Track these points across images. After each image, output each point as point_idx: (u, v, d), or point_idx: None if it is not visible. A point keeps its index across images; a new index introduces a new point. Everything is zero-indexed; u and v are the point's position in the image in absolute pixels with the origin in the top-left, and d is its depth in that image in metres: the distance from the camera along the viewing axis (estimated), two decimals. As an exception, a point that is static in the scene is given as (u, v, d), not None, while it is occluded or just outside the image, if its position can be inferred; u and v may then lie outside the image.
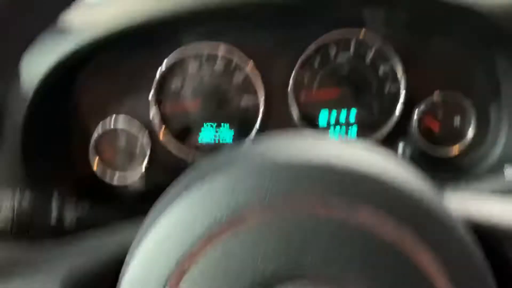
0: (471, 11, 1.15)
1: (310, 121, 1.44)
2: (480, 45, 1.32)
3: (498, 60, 1.31)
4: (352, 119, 1.44)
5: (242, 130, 1.45)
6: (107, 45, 1.21)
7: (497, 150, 1.36)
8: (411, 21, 1.35)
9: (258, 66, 1.39)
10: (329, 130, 1.45)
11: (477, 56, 1.35)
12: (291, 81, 1.40)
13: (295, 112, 1.41)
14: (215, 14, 1.24)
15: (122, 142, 1.41)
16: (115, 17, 1.19)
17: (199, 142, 1.45)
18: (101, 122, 1.39)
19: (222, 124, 1.44)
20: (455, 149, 1.42)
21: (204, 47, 1.37)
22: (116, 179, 1.41)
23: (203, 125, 1.44)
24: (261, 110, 1.41)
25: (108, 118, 1.39)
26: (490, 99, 1.37)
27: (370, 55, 1.39)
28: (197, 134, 1.45)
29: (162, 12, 1.21)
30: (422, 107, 1.39)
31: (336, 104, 1.43)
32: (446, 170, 1.42)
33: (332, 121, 1.45)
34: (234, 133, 1.46)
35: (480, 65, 1.36)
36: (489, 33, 1.24)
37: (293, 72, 1.39)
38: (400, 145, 1.42)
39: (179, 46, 1.36)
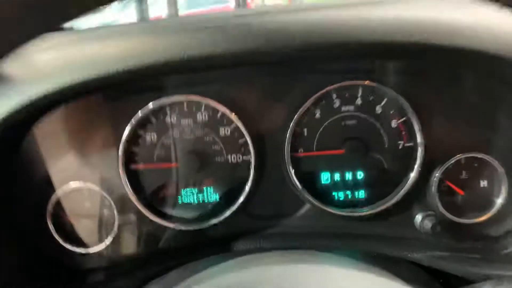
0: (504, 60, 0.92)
1: (309, 184, 1.21)
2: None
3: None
4: (361, 181, 1.22)
5: (229, 194, 1.22)
6: (62, 96, 0.97)
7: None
8: (427, 71, 1.13)
9: (249, 120, 1.17)
10: (331, 194, 1.23)
11: (509, 111, 1.13)
12: (287, 136, 1.17)
13: (291, 173, 1.19)
14: (203, 61, 0.99)
15: (83, 211, 1.19)
16: (76, 66, 0.96)
17: (177, 209, 1.23)
18: (58, 190, 1.18)
19: (205, 188, 1.22)
20: (481, 218, 1.19)
21: (186, 98, 1.16)
22: (76, 254, 1.19)
23: (182, 190, 1.22)
24: (251, 171, 1.19)
25: (66, 184, 1.18)
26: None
27: (381, 105, 1.18)
28: (176, 198, 1.23)
29: (137, 59, 0.93)
30: (443, 168, 1.16)
31: (340, 164, 1.21)
32: (471, 240, 1.19)
33: (335, 185, 1.23)
34: (220, 197, 1.23)
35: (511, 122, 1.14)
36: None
37: (290, 126, 1.17)
38: (417, 214, 1.19)
39: (154, 98, 1.15)
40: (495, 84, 1.12)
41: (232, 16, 0.93)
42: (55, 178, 1.18)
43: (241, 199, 1.20)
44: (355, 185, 1.23)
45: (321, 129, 1.20)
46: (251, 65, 1.03)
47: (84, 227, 1.19)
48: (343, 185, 1.23)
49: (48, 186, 1.17)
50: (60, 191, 1.17)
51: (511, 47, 0.86)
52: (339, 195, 1.23)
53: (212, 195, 1.23)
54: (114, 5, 0.39)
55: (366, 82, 1.15)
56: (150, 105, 1.15)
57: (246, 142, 1.18)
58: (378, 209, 1.20)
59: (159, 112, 1.18)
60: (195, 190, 1.23)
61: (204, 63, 0.88)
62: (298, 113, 1.17)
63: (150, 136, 1.19)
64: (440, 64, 1.10)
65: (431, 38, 0.86)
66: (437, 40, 0.86)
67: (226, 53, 0.86)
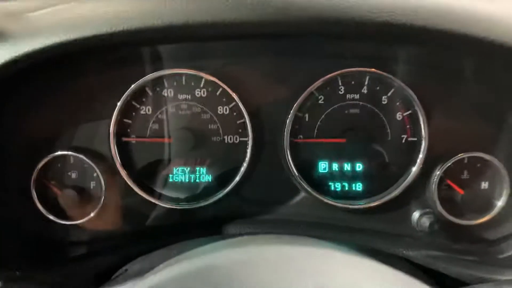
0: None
1: (305, 172, 1.17)
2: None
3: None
4: (360, 172, 1.18)
5: (222, 175, 1.18)
6: (56, 58, 0.91)
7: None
8: (437, 63, 1.09)
9: (249, 99, 1.12)
10: (328, 184, 1.19)
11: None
12: (288, 121, 1.13)
13: (289, 159, 1.15)
14: (204, 29, 0.92)
15: (69, 182, 1.14)
16: (70, 23, 0.90)
17: (168, 187, 1.18)
18: (45, 157, 1.12)
19: (198, 169, 1.18)
20: (480, 220, 1.15)
21: (185, 71, 1.11)
22: (59, 226, 1.13)
23: (174, 167, 1.18)
24: (248, 154, 1.14)
25: (54, 153, 1.12)
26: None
27: (387, 96, 1.14)
28: (167, 175, 1.18)
29: (138, 22, 0.86)
30: (445, 166, 1.13)
31: (339, 154, 1.17)
32: (467, 241, 1.17)
33: (333, 175, 1.19)
34: (213, 178, 1.19)
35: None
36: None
37: (292, 110, 1.12)
38: (415, 211, 1.16)
39: (153, 70, 1.09)
40: (505, 82, 1.08)
41: None
42: (43, 145, 1.12)
43: (235, 181, 1.16)
44: (353, 177, 1.19)
45: (323, 115, 1.16)
46: (258, 39, 0.97)
47: (68, 199, 1.14)
48: (341, 175, 1.19)
49: (34, 153, 1.12)
50: (47, 159, 1.12)
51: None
52: (336, 185, 1.19)
53: (205, 175, 1.19)
54: None
55: (374, 70, 1.11)
56: (148, 76, 1.10)
57: (244, 122, 1.14)
58: (375, 203, 1.16)
59: (156, 84, 1.13)
60: (187, 169, 1.18)
61: (208, 30, 0.82)
62: (301, 97, 1.12)
63: (145, 109, 1.14)
64: (448, 52, 1.06)
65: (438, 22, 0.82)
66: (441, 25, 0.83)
67: (233, 22, 0.81)
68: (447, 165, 1.13)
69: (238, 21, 0.79)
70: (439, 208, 1.14)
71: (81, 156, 1.12)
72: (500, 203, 1.14)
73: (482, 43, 0.83)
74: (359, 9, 0.80)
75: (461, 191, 1.15)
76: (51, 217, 1.13)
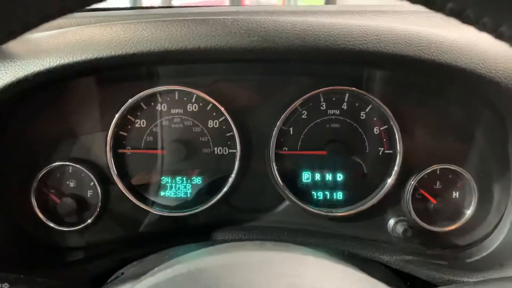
0: (487, 80, 0.97)
1: (290, 182, 1.25)
2: (491, 117, 1.16)
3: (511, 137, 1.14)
4: (340, 182, 1.27)
5: (212, 184, 1.26)
6: (57, 76, 0.99)
7: (498, 236, 1.19)
8: (412, 84, 1.19)
9: (236, 115, 1.20)
10: (311, 193, 1.27)
11: (487, 129, 1.19)
12: (273, 134, 1.21)
13: (274, 170, 1.23)
14: (197, 54, 1.02)
15: (67, 191, 1.21)
16: (71, 46, 0.98)
17: (160, 196, 1.26)
18: (46, 167, 1.19)
19: (189, 178, 1.25)
20: (450, 227, 1.24)
21: (177, 88, 1.19)
22: (56, 232, 1.20)
23: (167, 177, 1.25)
24: (236, 164, 1.22)
25: (54, 163, 1.19)
26: (496, 178, 1.21)
27: (365, 112, 1.23)
28: (160, 185, 1.26)
29: (132, 48, 0.95)
30: (418, 177, 1.22)
31: (321, 165, 1.26)
32: (439, 247, 1.25)
33: (316, 184, 1.27)
34: (203, 187, 1.27)
35: (488, 139, 1.20)
36: (504, 105, 1.07)
37: (277, 124, 1.21)
38: (390, 218, 1.24)
39: (146, 87, 1.17)
40: (474, 101, 1.17)
41: (228, 12, 0.96)
42: (43, 156, 1.19)
43: (224, 190, 1.23)
44: (334, 186, 1.27)
45: (306, 129, 1.24)
46: (244, 62, 1.06)
47: (66, 206, 1.20)
48: (323, 185, 1.27)
49: (35, 163, 1.19)
50: (47, 169, 1.19)
51: (488, 66, 0.92)
52: (318, 194, 1.27)
53: (196, 185, 1.26)
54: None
55: (353, 88, 1.20)
56: (142, 92, 1.18)
57: (233, 135, 1.22)
58: (354, 211, 1.24)
59: (150, 99, 1.21)
60: (179, 178, 1.25)
61: (200, 55, 0.91)
62: (285, 112, 1.21)
63: (140, 122, 1.22)
64: (422, 77, 1.15)
65: (407, 50, 0.91)
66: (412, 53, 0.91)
67: (221, 48, 0.89)
68: (421, 176, 1.22)
69: (227, 48, 0.88)
70: (413, 215, 1.22)
71: (79, 166, 1.19)
72: (469, 212, 1.23)
73: (443, 68, 0.92)
74: (336, 39, 0.89)
75: (433, 200, 1.23)
76: (50, 224, 1.20)
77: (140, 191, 1.25)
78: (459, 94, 1.18)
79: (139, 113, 1.21)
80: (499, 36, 0.38)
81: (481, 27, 0.38)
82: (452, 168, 1.22)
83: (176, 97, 1.21)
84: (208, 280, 0.51)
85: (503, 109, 1.07)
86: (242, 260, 0.55)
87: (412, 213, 1.22)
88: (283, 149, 1.25)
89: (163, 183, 1.26)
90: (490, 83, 0.95)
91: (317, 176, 1.27)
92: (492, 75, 0.93)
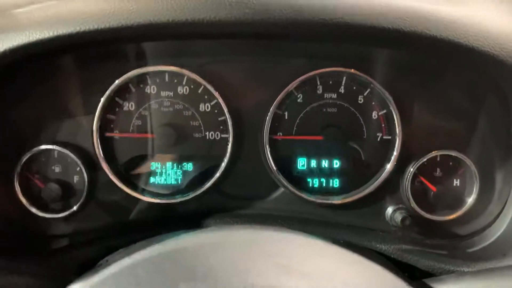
0: (492, 60, 0.92)
1: (284, 169, 1.20)
2: (494, 100, 1.11)
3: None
4: (337, 169, 1.22)
5: (204, 171, 1.21)
6: (38, 51, 0.93)
7: (500, 225, 1.14)
8: (413, 65, 1.14)
9: (228, 98, 1.15)
10: (306, 180, 1.22)
11: (490, 113, 1.14)
12: (267, 118, 1.16)
13: (268, 156, 1.18)
14: (185, 28, 0.96)
15: (52, 176, 1.16)
16: (52, 19, 0.92)
17: (150, 182, 1.21)
18: (30, 151, 1.14)
19: (179, 164, 1.20)
20: (451, 216, 1.20)
21: (168, 69, 1.14)
22: (41, 219, 1.15)
23: (156, 162, 1.20)
24: (228, 150, 1.17)
25: (38, 147, 1.14)
26: (498, 165, 1.16)
27: (363, 96, 1.18)
28: (149, 170, 1.21)
29: (119, 20, 0.88)
30: (418, 164, 1.17)
31: (317, 151, 1.21)
32: (439, 236, 1.21)
33: (311, 171, 1.22)
34: (194, 173, 1.22)
35: (491, 124, 1.15)
36: (508, 86, 1.02)
37: (271, 108, 1.16)
38: (389, 206, 1.20)
39: (135, 67, 1.12)
40: (476, 82, 1.13)
41: None
42: (27, 139, 1.14)
43: (215, 177, 1.18)
44: (330, 173, 1.23)
45: (302, 113, 1.19)
46: (237, 39, 1.01)
47: (51, 192, 1.15)
48: (319, 172, 1.23)
49: (19, 147, 1.14)
50: (31, 153, 1.14)
51: (492, 44, 0.87)
52: (314, 181, 1.23)
53: (186, 171, 1.22)
54: None
55: (351, 70, 1.15)
56: (130, 73, 1.13)
57: (225, 119, 1.17)
58: (351, 198, 1.20)
59: (139, 81, 1.16)
60: (169, 164, 1.21)
61: (189, 29, 0.85)
62: (280, 95, 1.16)
63: (128, 105, 1.17)
64: (424, 56, 1.10)
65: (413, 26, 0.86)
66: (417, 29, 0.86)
67: (210, 21, 0.84)
68: (420, 163, 1.17)
69: (216, 21, 0.82)
70: (412, 204, 1.18)
71: (65, 150, 1.14)
72: (470, 200, 1.19)
73: (450, 46, 0.87)
74: (333, 11, 0.84)
75: (433, 188, 1.19)
76: (33, 210, 1.15)
77: (128, 177, 1.20)
78: (462, 76, 1.13)
79: (127, 95, 1.16)
80: None
81: None
82: (453, 154, 1.18)
83: (166, 79, 1.16)
84: (187, 260, 0.47)
85: (507, 90, 1.02)
86: (224, 240, 0.50)
87: (411, 201, 1.18)
88: (278, 134, 1.20)
89: (152, 169, 1.21)
90: (494, 62, 0.90)
91: (313, 163, 1.22)
92: (497, 53, 0.88)
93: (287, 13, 0.81)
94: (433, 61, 1.11)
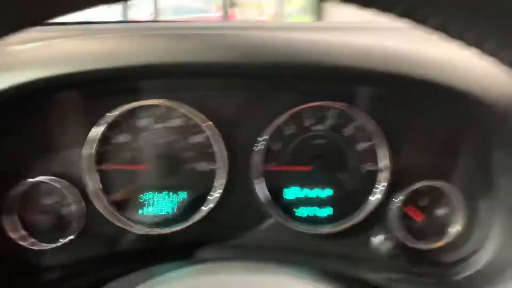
0: (472, 99, 0.97)
1: (274, 199, 1.23)
2: (476, 134, 1.15)
3: (496, 153, 1.13)
4: (325, 199, 1.24)
5: (195, 201, 1.23)
6: (35, 88, 0.96)
7: (486, 253, 1.17)
8: (399, 100, 1.17)
9: (221, 130, 1.18)
10: (296, 210, 1.25)
11: (472, 145, 1.18)
12: (257, 149, 1.19)
13: (258, 187, 1.21)
14: (179, 68, 1.00)
15: (43, 208, 1.17)
16: (51, 59, 0.95)
17: (140, 213, 1.23)
18: (19, 184, 1.15)
19: (171, 195, 1.22)
20: (438, 243, 1.22)
21: (160, 103, 1.17)
22: (31, 251, 1.16)
23: (147, 193, 1.22)
24: (220, 181, 1.20)
25: (28, 179, 1.15)
26: (483, 194, 1.19)
27: (350, 128, 1.21)
28: (139, 203, 1.22)
29: (112, 61, 0.94)
30: (405, 193, 1.20)
31: (306, 181, 1.24)
32: (426, 264, 1.23)
33: (300, 201, 1.25)
34: (186, 204, 1.24)
35: (474, 156, 1.19)
36: (489, 123, 1.07)
37: (261, 140, 1.19)
38: (376, 235, 1.22)
39: (128, 101, 1.15)
40: (458, 118, 1.17)
41: (213, 27, 0.95)
42: (16, 171, 1.15)
43: (207, 208, 1.20)
44: (319, 203, 1.25)
45: (291, 145, 1.22)
46: (227, 77, 1.04)
47: (41, 224, 1.16)
48: (307, 202, 1.25)
49: (7, 179, 1.14)
50: (21, 186, 1.15)
51: (470, 83, 0.91)
52: (303, 211, 1.25)
53: (178, 202, 1.23)
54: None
55: (338, 105, 1.18)
56: (123, 107, 1.15)
57: (217, 151, 1.19)
58: (339, 228, 1.22)
59: (132, 114, 1.18)
60: (161, 195, 1.23)
61: (181, 70, 0.89)
62: (270, 127, 1.19)
63: (121, 137, 1.19)
64: (409, 93, 1.14)
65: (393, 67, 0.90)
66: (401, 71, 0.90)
67: (202, 63, 0.87)
68: (407, 192, 1.20)
69: (208, 63, 0.86)
70: (399, 233, 1.20)
71: (55, 183, 1.15)
72: (456, 229, 1.21)
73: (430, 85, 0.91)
74: (314, 55, 0.88)
75: (420, 217, 1.22)
76: (23, 243, 1.15)
77: (120, 209, 1.21)
78: (445, 111, 1.17)
79: (119, 128, 1.18)
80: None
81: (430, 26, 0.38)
82: (439, 184, 1.21)
83: (158, 112, 1.19)
84: None
85: (485, 126, 1.06)
86: (223, 281, 0.52)
87: (398, 230, 1.20)
88: (267, 165, 1.22)
89: (144, 200, 1.22)
90: (471, 101, 0.94)
91: (302, 193, 1.24)
92: (473, 92, 0.92)
93: (273, 57, 0.85)
94: (418, 97, 1.15)
